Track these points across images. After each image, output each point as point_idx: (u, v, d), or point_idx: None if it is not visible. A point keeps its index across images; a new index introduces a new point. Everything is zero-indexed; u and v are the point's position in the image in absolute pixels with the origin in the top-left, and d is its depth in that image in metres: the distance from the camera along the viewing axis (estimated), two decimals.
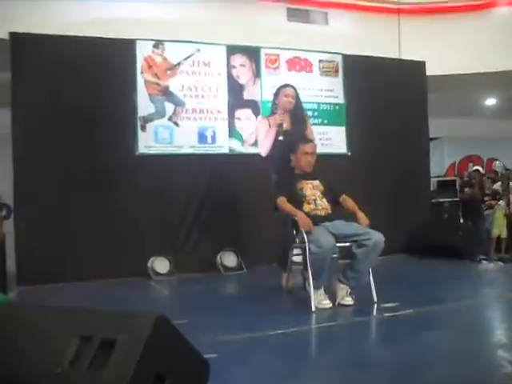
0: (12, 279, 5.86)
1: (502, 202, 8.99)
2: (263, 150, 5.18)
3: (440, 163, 12.95)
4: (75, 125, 6.19)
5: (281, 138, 5.06)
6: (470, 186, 9.31)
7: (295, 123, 5.15)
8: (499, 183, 9.64)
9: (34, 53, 6.17)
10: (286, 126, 5.12)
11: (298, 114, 5.26)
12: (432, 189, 9.19)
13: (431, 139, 9.08)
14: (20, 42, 6.15)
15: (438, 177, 10.12)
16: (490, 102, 12.16)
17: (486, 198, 9.29)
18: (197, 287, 5.76)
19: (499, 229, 8.77)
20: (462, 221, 9.24)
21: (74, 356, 1.76)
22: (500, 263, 6.86)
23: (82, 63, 6.23)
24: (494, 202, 9.16)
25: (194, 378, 1.91)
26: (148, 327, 1.74)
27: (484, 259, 7.01)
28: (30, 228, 6.00)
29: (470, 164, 14.18)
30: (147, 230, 6.40)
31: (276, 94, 5.29)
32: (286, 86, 5.31)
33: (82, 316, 1.89)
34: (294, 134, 5.04)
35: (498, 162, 10.76)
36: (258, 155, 5.33)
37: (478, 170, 9.57)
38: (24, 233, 6.00)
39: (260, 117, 6.81)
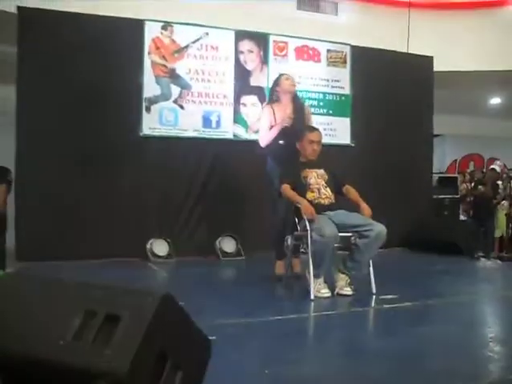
0: (11, 255, 5.84)
1: (504, 202, 9.00)
2: (263, 141, 5.16)
3: (441, 160, 12.97)
4: (80, 103, 6.17)
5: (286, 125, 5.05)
6: (484, 183, 9.30)
7: (296, 111, 5.15)
8: (500, 182, 9.65)
9: (42, 28, 6.13)
10: (289, 112, 5.11)
11: (297, 102, 5.29)
12: (433, 185, 9.19)
13: (434, 136, 9.07)
14: (28, 16, 6.11)
15: (439, 173, 10.12)
16: (495, 101, 12.15)
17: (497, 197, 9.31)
18: (195, 271, 5.76)
19: (501, 228, 8.80)
20: (463, 218, 9.25)
21: (78, 330, 1.74)
22: (498, 261, 6.88)
23: (90, 41, 6.18)
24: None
25: (196, 356, 1.91)
26: (154, 305, 1.73)
27: (482, 256, 7.04)
28: (30, 205, 5.99)
29: (471, 162, 14.21)
30: (147, 212, 6.40)
31: (276, 81, 5.31)
32: (284, 73, 5.39)
33: (88, 290, 1.87)
34: (296, 121, 5.05)
35: (498, 162, 10.76)
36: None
37: (494, 169, 9.55)
38: (24, 209, 5.98)
39: (265, 104, 6.74)
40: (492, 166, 9.76)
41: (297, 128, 4.93)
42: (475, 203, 9.43)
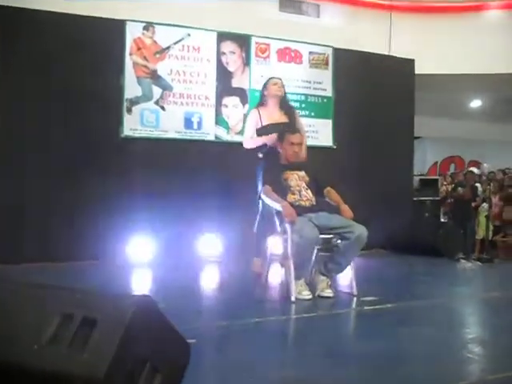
0: None
1: (484, 205, 9.08)
2: (247, 143, 5.20)
3: (422, 162, 13.07)
4: (60, 103, 6.13)
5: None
6: (463, 186, 9.38)
7: (284, 114, 5.16)
8: (478, 185, 9.74)
9: (22, 28, 6.05)
10: (276, 117, 5.13)
11: (286, 106, 5.32)
12: (414, 187, 9.25)
13: (415, 138, 9.13)
14: (8, 15, 6.03)
15: (420, 175, 10.19)
16: (476, 103, 12.26)
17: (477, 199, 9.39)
18: (177, 273, 5.73)
19: (482, 231, 8.88)
20: (443, 220, 9.31)
21: (54, 333, 1.72)
22: (478, 263, 6.93)
23: (71, 41, 6.14)
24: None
25: (175, 359, 1.90)
26: (131, 308, 1.71)
27: (463, 258, 7.09)
28: (8, 206, 5.91)
29: (452, 164, 14.33)
30: (129, 213, 6.33)
31: (265, 85, 5.35)
32: (273, 77, 5.41)
33: (64, 293, 1.85)
34: (283, 124, 5.06)
35: (486, 165, 10.84)
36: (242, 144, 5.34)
37: (471, 171, 9.63)
38: (1, 211, 5.91)
39: (252, 108, 6.71)
40: (470, 169, 9.85)
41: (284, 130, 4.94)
42: (455, 205, 9.51)
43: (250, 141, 5.19)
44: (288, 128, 5.00)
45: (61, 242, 5.97)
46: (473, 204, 9.39)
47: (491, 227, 8.40)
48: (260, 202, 4.81)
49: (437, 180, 9.81)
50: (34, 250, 5.85)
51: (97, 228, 6.13)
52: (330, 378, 2.62)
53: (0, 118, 5.96)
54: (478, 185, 9.70)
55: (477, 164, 12.47)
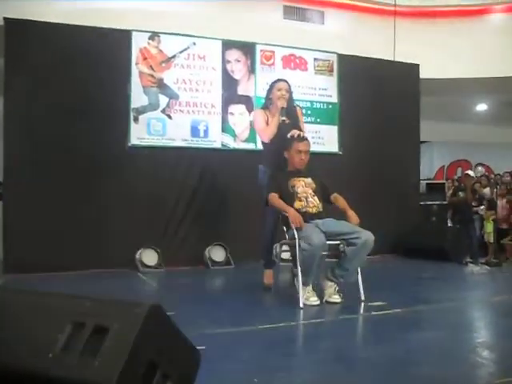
0: None
1: (482, 207, 9.04)
2: (266, 135, 5.04)
3: (429, 166, 13.04)
4: (68, 114, 6.18)
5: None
6: (463, 190, 9.34)
7: (289, 117, 5.12)
8: (488, 189, 9.69)
9: (29, 40, 6.13)
10: (279, 120, 5.08)
11: (291, 108, 5.20)
12: (421, 191, 9.23)
13: (421, 142, 9.13)
14: (15, 28, 6.12)
15: (427, 179, 10.17)
16: (481, 107, 12.25)
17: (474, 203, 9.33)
18: (184, 280, 5.76)
19: (488, 234, 8.84)
20: (450, 224, 9.27)
21: (66, 342, 1.75)
22: (486, 267, 6.92)
23: (78, 52, 6.21)
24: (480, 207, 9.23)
25: (185, 366, 1.92)
26: (142, 316, 1.74)
27: (470, 262, 7.08)
28: (19, 217, 5.96)
29: (459, 168, 14.27)
30: (136, 222, 6.38)
31: (269, 90, 5.25)
32: (278, 80, 5.28)
33: (75, 302, 1.88)
34: (288, 127, 5.02)
35: (480, 168, 10.82)
36: (250, 151, 5.32)
37: (468, 175, 9.59)
38: (12, 221, 5.96)
39: (256, 109, 6.67)
40: (466, 172, 9.78)
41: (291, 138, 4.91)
42: (455, 210, 9.44)
43: (266, 132, 5.05)
44: (293, 128, 4.98)
45: (71, 251, 6.01)
46: (475, 208, 9.34)
47: (493, 230, 8.35)
48: (265, 208, 4.81)
49: (443, 184, 9.80)
50: (46, 259, 5.87)
51: (105, 236, 6.17)
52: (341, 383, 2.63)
53: (7, 129, 6.01)
54: (486, 189, 9.65)
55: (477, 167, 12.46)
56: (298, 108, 5.44)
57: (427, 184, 9.78)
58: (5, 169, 6.02)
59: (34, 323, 1.83)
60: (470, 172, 9.73)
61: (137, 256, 6.30)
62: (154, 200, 6.55)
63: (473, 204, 9.09)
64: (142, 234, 6.39)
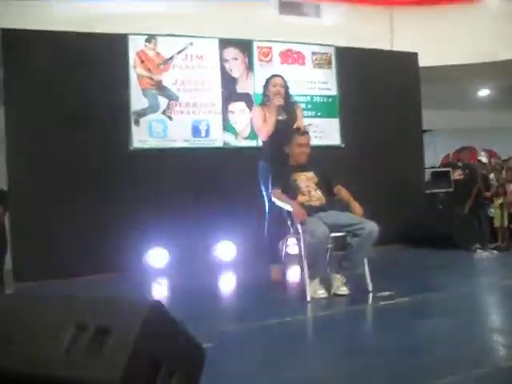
0: (8, 275, 5.85)
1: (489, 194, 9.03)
2: (263, 132, 5.07)
3: (434, 155, 12.99)
4: (68, 121, 6.16)
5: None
6: (475, 177, 9.28)
7: (286, 112, 5.13)
8: (492, 174, 9.67)
9: (26, 49, 6.14)
10: (276, 116, 5.09)
11: (288, 104, 5.23)
12: (427, 180, 9.21)
13: (425, 131, 9.10)
14: (12, 38, 6.13)
15: (432, 167, 10.13)
16: (484, 92, 12.20)
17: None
18: (193, 279, 5.77)
19: (498, 219, 8.82)
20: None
21: (70, 343, 1.76)
22: (495, 252, 6.89)
23: (75, 59, 6.21)
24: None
25: (189, 364, 1.93)
26: (142, 314, 1.75)
27: (479, 248, 7.05)
28: (26, 225, 5.98)
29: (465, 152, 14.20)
30: (143, 224, 6.38)
31: (265, 86, 5.26)
32: (273, 76, 5.29)
33: (77, 303, 1.89)
34: (286, 123, 5.04)
35: (483, 153, 10.78)
36: (252, 148, 5.33)
37: (480, 161, 9.54)
38: (20, 230, 5.99)
39: (254, 106, 6.70)
40: (479, 158, 9.74)
41: (288, 128, 4.93)
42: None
43: (264, 130, 5.06)
44: (291, 124, 4.99)
45: (80, 256, 6.02)
46: (487, 194, 9.32)
47: (506, 215, 8.33)
48: (268, 204, 4.82)
49: (448, 172, 9.74)
50: (55, 266, 5.89)
51: (111, 240, 6.18)
52: (352, 375, 2.63)
53: (10, 137, 6.04)
54: (491, 175, 9.62)
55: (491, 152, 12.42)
56: (297, 106, 5.45)
57: (432, 172, 9.74)
58: (9, 179, 6.04)
59: (38, 326, 1.85)
60: (483, 158, 9.69)
61: (145, 258, 6.32)
62: (160, 201, 6.55)
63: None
64: (149, 235, 6.40)
